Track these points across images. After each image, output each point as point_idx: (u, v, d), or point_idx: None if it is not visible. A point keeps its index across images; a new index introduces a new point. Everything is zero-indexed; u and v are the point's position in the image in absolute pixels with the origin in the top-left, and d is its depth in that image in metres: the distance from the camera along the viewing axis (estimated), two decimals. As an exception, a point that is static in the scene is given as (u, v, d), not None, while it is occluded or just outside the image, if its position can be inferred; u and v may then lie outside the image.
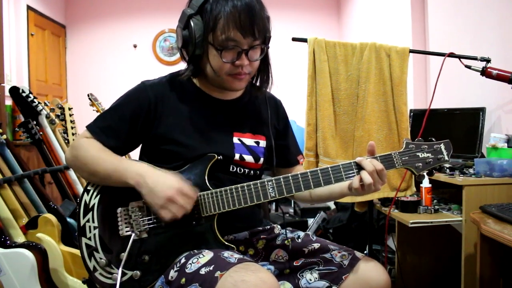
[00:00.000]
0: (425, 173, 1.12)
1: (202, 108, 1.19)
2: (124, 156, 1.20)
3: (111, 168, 1.08)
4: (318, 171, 1.08)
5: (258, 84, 1.25)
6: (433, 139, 1.12)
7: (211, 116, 1.19)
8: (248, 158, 1.20)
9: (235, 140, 1.20)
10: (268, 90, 1.27)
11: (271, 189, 1.08)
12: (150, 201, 1.04)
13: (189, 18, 1.09)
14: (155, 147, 1.16)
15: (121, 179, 1.07)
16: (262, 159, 1.23)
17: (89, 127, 1.16)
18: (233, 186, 1.09)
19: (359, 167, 1.08)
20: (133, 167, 1.07)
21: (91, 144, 1.13)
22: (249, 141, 1.22)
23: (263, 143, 1.24)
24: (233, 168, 1.19)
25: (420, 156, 1.10)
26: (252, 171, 1.22)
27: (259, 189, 1.08)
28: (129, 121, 1.14)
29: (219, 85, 1.17)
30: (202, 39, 1.09)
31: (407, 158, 1.10)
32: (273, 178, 1.09)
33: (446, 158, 1.10)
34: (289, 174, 1.09)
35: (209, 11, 1.07)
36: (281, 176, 1.09)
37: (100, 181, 1.12)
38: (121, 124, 1.14)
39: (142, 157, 1.21)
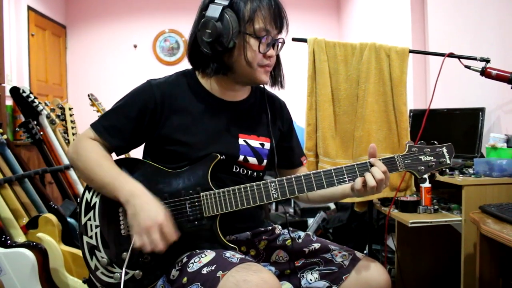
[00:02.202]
0: (426, 176, 1.12)
1: (208, 109, 1.19)
2: (124, 155, 1.20)
3: (107, 180, 1.07)
4: (322, 173, 1.09)
5: (271, 80, 1.27)
6: (436, 142, 1.13)
7: (217, 117, 1.19)
8: (252, 159, 1.20)
9: (241, 141, 1.20)
10: (281, 87, 1.28)
11: (274, 190, 1.09)
12: (131, 223, 1.03)
13: (223, 11, 1.09)
14: (159, 147, 1.16)
15: (113, 193, 1.06)
16: (265, 161, 1.24)
17: (93, 126, 1.15)
18: (236, 187, 1.09)
19: (362, 170, 1.08)
20: (127, 185, 1.06)
21: (94, 149, 1.12)
22: (254, 143, 1.22)
23: (267, 145, 1.24)
24: (236, 169, 1.19)
25: (423, 160, 1.11)
26: (255, 173, 1.23)
27: (262, 190, 1.09)
28: (135, 121, 1.13)
29: (247, 80, 1.17)
30: (238, 30, 1.09)
31: (409, 161, 1.11)
32: (276, 179, 1.09)
33: (448, 161, 1.11)
34: (292, 176, 1.09)
35: (243, 3, 1.10)
36: (284, 178, 1.09)
37: (95, 189, 1.13)
38: (126, 124, 1.14)
39: (146, 157, 1.21)
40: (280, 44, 1.18)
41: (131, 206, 1.03)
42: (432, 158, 1.11)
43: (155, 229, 1.00)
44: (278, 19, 1.13)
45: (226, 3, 1.09)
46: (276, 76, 1.26)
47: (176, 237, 1.04)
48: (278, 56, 1.24)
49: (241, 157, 1.18)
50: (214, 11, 1.09)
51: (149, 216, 1.00)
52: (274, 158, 1.25)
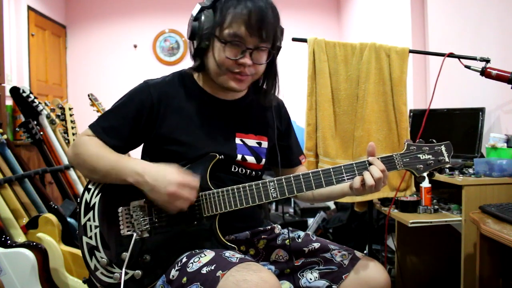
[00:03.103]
0: (425, 175, 1.12)
1: (205, 108, 1.19)
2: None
3: (109, 165, 1.08)
4: (320, 172, 1.08)
5: (264, 90, 1.26)
6: (434, 140, 1.13)
7: (213, 116, 1.19)
8: (250, 158, 1.20)
9: (237, 140, 1.20)
10: (273, 97, 1.26)
11: (272, 189, 1.09)
12: (154, 198, 1.04)
13: (201, 10, 1.10)
14: (157, 147, 1.16)
15: (120, 177, 1.07)
16: (263, 160, 1.24)
17: (91, 127, 1.16)
18: (234, 186, 1.09)
19: (361, 169, 1.08)
20: (130, 165, 1.07)
21: (91, 141, 1.13)
22: (251, 142, 1.22)
23: (265, 144, 1.24)
24: (235, 168, 1.19)
25: (421, 158, 1.11)
26: (253, 172, 1.23)
27: (261, 189, 1.09)
28: (132, 121, 1.14)
29: (220, 83, 1.16)
30: (209, 32, 1.09)
31: (408, 159, 1.10)
32: (275, 178, 1.09)
33: (447, 160, 1.11)
34: (291, 175, 1.09)
35: (226, 7, 1.09)
36: (283, 177, 1.09)
37: (101, 179, 1.13)
38: (124, 124, 1.14)
39: (144, 157, 1.21)
40: (264, 55, 1.13)
41: (144, 183, 1.04)
42: (430, 156, 1.11)
43: (180, 189, 1.02)
44: (255, 26, 1.06)
45: (208, 3, 1.11)
46: (268, 87, 1.23)
47: (199, 179, 1.06)
48: (272, 67, 1.20)
49: (239, 156, 1.18)
50: (195, 10, 1.13)
51: (166, 183, 1.01)
52: (272, 157, 1.25)
